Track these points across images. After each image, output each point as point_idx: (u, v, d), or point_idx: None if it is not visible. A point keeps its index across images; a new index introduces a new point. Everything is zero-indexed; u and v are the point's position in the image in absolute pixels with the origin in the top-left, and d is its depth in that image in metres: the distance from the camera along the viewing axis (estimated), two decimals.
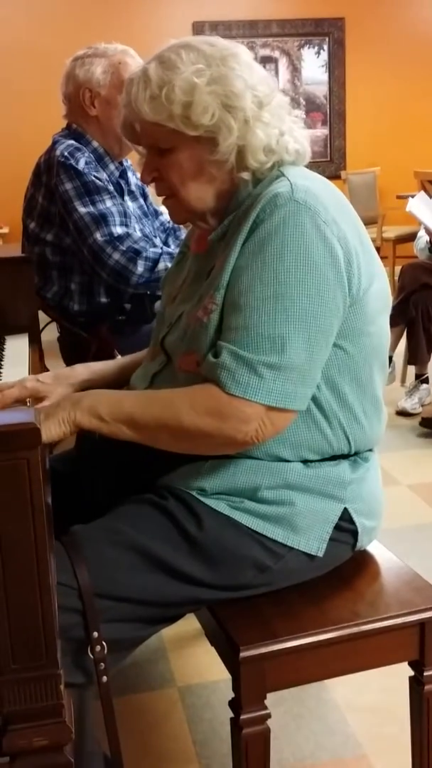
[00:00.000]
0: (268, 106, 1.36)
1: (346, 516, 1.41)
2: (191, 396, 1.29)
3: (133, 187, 2.73)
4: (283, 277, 1.25)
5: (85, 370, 1.67)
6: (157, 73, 1.33)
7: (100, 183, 2.45)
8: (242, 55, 1.37)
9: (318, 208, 1.28)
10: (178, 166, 1.38)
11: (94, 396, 1.35)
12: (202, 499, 1.36)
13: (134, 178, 2.75)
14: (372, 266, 1.37)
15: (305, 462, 1.39)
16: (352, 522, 1.43)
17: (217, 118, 1.32)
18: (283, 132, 1.37)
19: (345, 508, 1.41)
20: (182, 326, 1.44)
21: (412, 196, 3.98)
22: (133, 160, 2.72)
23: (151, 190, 2.95)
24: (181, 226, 2.79)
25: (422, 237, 4.03)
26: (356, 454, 1.46)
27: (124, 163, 2.68)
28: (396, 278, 4.31)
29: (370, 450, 1.51)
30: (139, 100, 1.34)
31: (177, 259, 1.64)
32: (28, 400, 1.56)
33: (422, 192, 4.05)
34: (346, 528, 1.42)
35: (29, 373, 1.86)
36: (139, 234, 2.49)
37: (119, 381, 1.67)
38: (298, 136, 1.40)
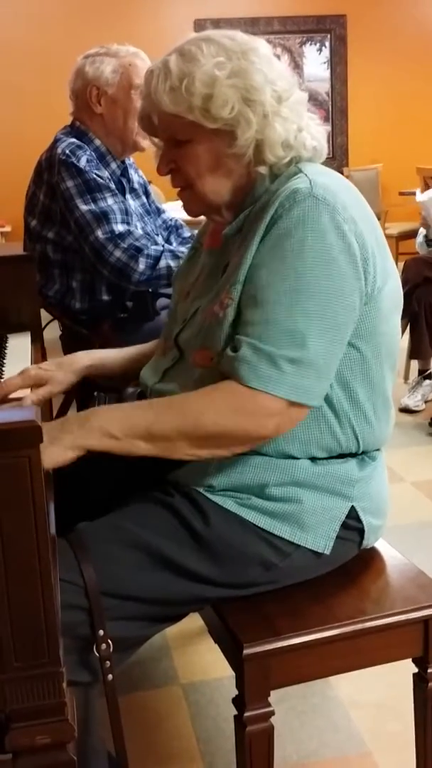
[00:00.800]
0: (287, 101, 1.36)
1: (353, 514, 1.41)
2: (209, 397, 1.27)
3: (135, 185, 2.73)
4: (303, 272, 1.25)
5: (87, 357, 1.67)
6: (177, 65, 1.33)
7: (101, 181, 2.45)
8: (262, 49, 1.37)
9: (337, 205, 1.28)
10: (195, 158, 1.38)
11: (102, 413, 1.29)
12: (209, 496, 1.35)
13: (136, 176, 2.75)
14: (387, 264, 1.37)
15: (313, 459, 1.39)
16: (359, 520, 1.42)
17: (237, 112, 1.32)
18: (302, 128, 1.37)
19: (352, 506, 1.41)
20: (198, 322, 1.43)
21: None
22: (136, 159, 2.72)
23: (152, 188, 2.96)
24: (184, 224, 2.81)
25: (422, 232, 4.04)
26: (364, 452, 1.45)
27: (126, 161, 2.68)
28: (400, 273, 4.30)
29: (378, 449, 1.50)
30: (159, 91, 1.33)
31: (189, 255, 1.64)
32: (29, 389, 1.57)
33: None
34: (353, 526, 1.42)
35: None
36: (140, 232, 2.49)
37: (123, 371, 1.67)
38: (315, 133, 1.40)
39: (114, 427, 1.26)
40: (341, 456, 1.42)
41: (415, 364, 4.22)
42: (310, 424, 1.36)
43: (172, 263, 2.43)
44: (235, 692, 1.35)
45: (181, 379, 1.42)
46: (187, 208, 1.49)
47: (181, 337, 1.48)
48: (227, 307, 1.33)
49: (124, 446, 1.26)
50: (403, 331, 4.01)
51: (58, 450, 1.23)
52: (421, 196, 3.91)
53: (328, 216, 1.26)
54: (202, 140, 1.36)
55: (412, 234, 6.01)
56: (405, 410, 3.98)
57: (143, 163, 2.55)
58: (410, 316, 3.96)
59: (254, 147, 1.35)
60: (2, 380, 1.59)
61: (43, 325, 2.42)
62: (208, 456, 1.31)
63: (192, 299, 1.51)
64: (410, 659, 1.44)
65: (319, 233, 1.26)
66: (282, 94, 1.35)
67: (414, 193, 4.01)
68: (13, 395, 1.55)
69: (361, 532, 1.44)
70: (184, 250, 2.51)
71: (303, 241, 1.26)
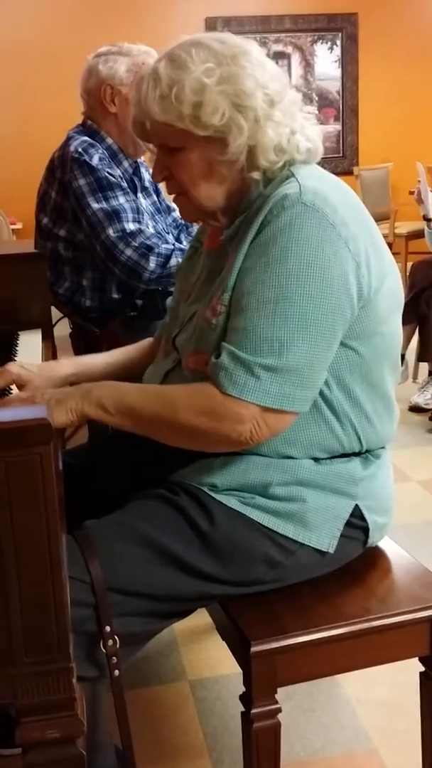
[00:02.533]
0: (280, 104, 1.34)
1: (357, 513, 1.42)
2: (189, 394, 1.31)
3: (147, 184, 2.74)
4: (285, 279, 1.25)
5: (70, 365, 1.68)
6: (167, 73, 1.32)
7: (113, 179, 2.46)
8: (253, 52, 1.36)
9: (326, 210, 1.27)
10: (188, 165, 1.37)
11: (103, 387, 1.37)
12: (213, 494, 1.36)
13: (147, 175, 2.75)
14: (383, 265, 1.36)
15: (316, 459, 1.40)
16: (363, 519, 1.43)
17: (227, 118, 1.31)
18: (295, 130, 1.36)
19: (356, 505, 1.41)
20: (193, 326, 1.44)
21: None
22: (146, 157, 2.73)
23: (163, 186, 2.97)
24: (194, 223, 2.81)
25: (429, 231, 4.06)
26: (368, 451, 1.46)
27: (138, 160, 2.68)
28: (408, 274, 4.30)
29: (382, 447, 1.50)
30: (149, 99, 1.33)
31: (189, 254, 1.64)
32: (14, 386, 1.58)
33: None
34: (357, 525, 1.43)
35: None
36: (151, 230, 2.49)
37: (106, 376, 1.65)
38: (309, 134, 1.39)
39: (107, 402, 1.33)
40: (344, 455, 1.42)
41: (425, 366, 4.21)
42: (311, 426, 1.36)
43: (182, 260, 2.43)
44: (242, 689, 1.36)
45: (180, 381, 1.43)
46: (183, 214, 1.50)
47: (178, 340, 1.49)
48: (219, 314, 1.35)
49: (115, 420, 1.34)
50: (412, 334, 4.04)
51: (61, 412, 1.33)
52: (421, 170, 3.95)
53: (315, 222, 1.26)
54: (194, 148, 1.35)
55: (422, 233, 5.99)
56: (415, 408, 3.97)
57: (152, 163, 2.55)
58: (419, 319, 3.95)
59: (247, 153, 1.34)
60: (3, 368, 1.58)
61: (54, 322, 2.44)
62: (189, 447, 1.35)
63: (191, 302, 1.51)
64: (417, 658, 1.45)
65: (304, 240, 1.25)
66: (274, 97, 1.34)
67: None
68: None
69: (365, 530, 1.44)
70: None
71: (287, 248, 1.26)
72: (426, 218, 4.11)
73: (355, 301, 1.31)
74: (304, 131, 1.38)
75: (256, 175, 1.36)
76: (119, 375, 1.64)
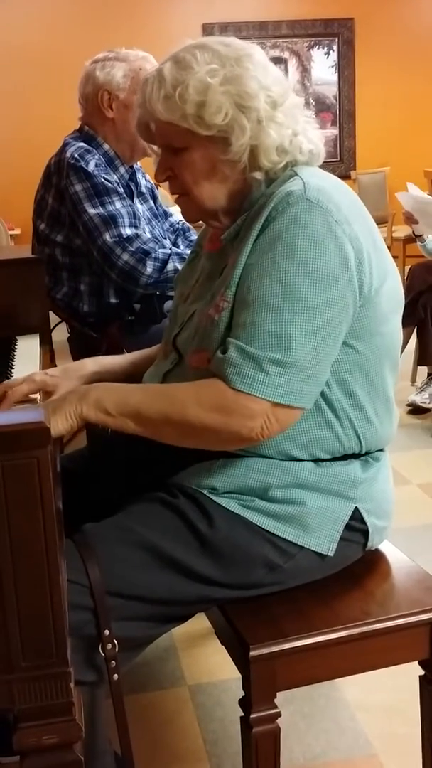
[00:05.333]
0: (282, 107, 1.36)
1: (356, 515, 1.42)
2: (197, 391, 1.30)
3: (143, 189, 2.74)
4: (292, 274, 1.25)
5: (93, 364, 1.68)
6: (171, 73, 1.34)
7: (109, 185, 2.46)
8: (257, 55, 1.37)
9: (330, 207, 1.28)
10: (191, 165, 1.39)
11: (101, 389, 1.35)
12: (213, 497, 1.36)
13: (144, 180, 2.76)
14: (384, 265, 1.37)
15: (316, 461, 1.40)
16: (362, 521, 1.43)
17: (230, 118, 1.32)
18: (297, 132, 1.37)
19: (356, 508, 1.41)
20: (194, 324, 1.44)
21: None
22: (142, 162, 2.73)
23: (160, 191, 2.97)
24: (191, 227, 2.82)
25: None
26: (367, 453, 1.46)
27: (134, 166, 2.69)
28: (405, 278, 4.31)
29: (381, 450, 1.50)
30: (153, 99, 1.35)
31: (189, 259, 1.65)
32: (38, 394, 1.57)
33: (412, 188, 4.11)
34: (356, 528, 1.43)
35: None
36: (148, 235, 2.49)
37: (128, 376, 1.68)
38: (311, 137, 1.40)
39: (109, 404, 1.31)
40: (344, 457, 1.42)
41: (422, 369, 4.21)
42: (311, 424, 1.36)
43: (180, 266, 2.44)
44: (241, 694, 1.36)
45: (180, 381, 1.43)
46: (185, 214, 1.50)
47: (179, 339, 1.49)
48: (223, 310, 1.35)
49: (117, 423, 1.31)
50: (409, 337, 4.04)
51: (60, 418, 1.30)
52: (404, 197, 3.96)
53: (320, 218, 1.27)
54: (198, 147, 1.37)
55: None
56: (413, 408, 3.97)
57: (150, 167, 2.55)
58: (417, 322, 3.96)
59: (249, 153, 1.35)
60: (8, 385, 1.57)
61: (52, 327, 2.44)
62: (195, 446, 1.33)
63: (190, 302, 1.52)
64: (417, 662, 1.44)
65: (310, 235, 1.26)
66: (277, 100, 1.36)
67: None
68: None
69: (365, 533, 1.44)
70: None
71: (293, 243, 1.26)
72: (415, 234, 4.12)
73: (357, 298, 1.31)
74: (307, 134, 1.39)
75: (258, 175, 1.37)
76: (139, 373, 1.64)
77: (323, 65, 7.64)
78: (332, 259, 1.27)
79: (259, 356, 1.24)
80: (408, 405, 3.98)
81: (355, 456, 1.44)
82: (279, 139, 1.35)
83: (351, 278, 1.29)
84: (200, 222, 1.54)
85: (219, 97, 1.32)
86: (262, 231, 1.31)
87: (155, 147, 1.46)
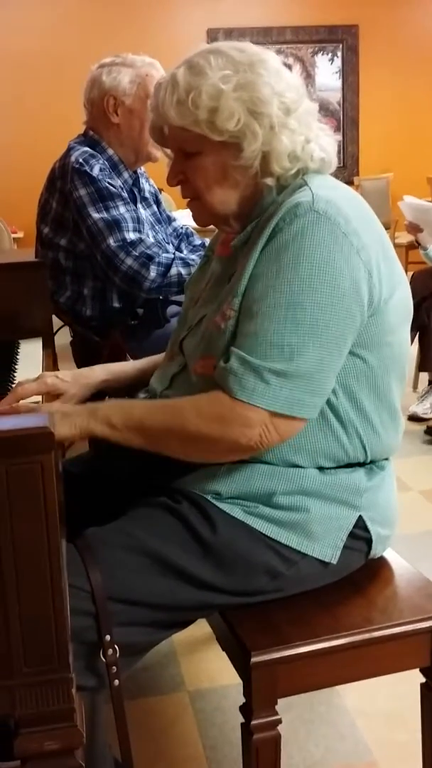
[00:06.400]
0: (295, 113, 1.36)
1: (360, 524, 1.41)
2: (197, 402, 1.31)
3: (147, 194, 2.75)
4: (297, 286, 1.25)
5: (102, 371, 1.69)
6: (185, 78, 1.34)
7: (113, 189, 2.47)
8: (271, 61, 1.37)
9: (338, 219, 1.28)
10: (203, 170, 1.39)
11: (110, 406, 1.37)
12: (216, 503, 1.36)
13: (147, 185, 2.76)
14: (394, 276, 1.37)
15: (321, 469, 1.39)
16: (366, 530, 1.42)
17: (243, 124, 1.33)
18: (310, 139, 1.37)
19: (360, 516, 1.41)
20: (201, 330, 1.45)
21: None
22: (146, 168, 2.74)
23: (163, 196, 2.98)
24: (194, 231, 2.82)
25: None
26: (372, 462, 1.46)
27: (138, 171, 2.69)
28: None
29: (386, 459, 1.50)
30: (166, 104, 1.35)
31: (201, 263, 1.65)
32: (40, 397, 1.57)
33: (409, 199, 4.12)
34: (360, 536, 1.42)
35: None
36: (151, 240, 2.50)
37: (137, 383, 1.68)
38: (324, 144, 1.40)
39: (115, 418, 1.33)
40: (349, 465, 1.42)
41: (425, 375, 4.21)
42: (317, 433, 1.36)
43: (183, 271, 2.44)
44: (242, 700, 1.35)
45: (188, 385, 1.43)
46: (196, 219, 1.50)
47: (185, 344, 1.50)
48: (229, 319, 1.35)
49: (123, 436, 1.33)
50: (411, 343, 4.04)
51: (65, 425, 1.32)
52: (404, 207, 3.97)
53: (327, 230, 1.27)
54: (210, 152, 1.37)
55: None
56: (413, 418, 3.97)
57: (154, 172, 2.56)
58: (419, 328, 3.96)
59: (261, 159, 1.36)
60: (18, 383, 1.59)
61: (55, 331, 2.44)
62: (198, 458, 1.35)
63: (200, 306, 1.52)
64: (418, 669, 1.44)
65: (316, 247, 1.26)
66: (290, 106, 1.36)
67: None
68: (26, 401, 1.55)
69: (368, 541, 1.44)
70: (194, 257, 2.52)
71: (298, 255, 1.26)
72: (418, 242, 4.12)
73: (365, 309, 1.31)
74: (319, 141, 1.40)
75: (270, 181, 1.38)
76: (148, 380, 1.65)
77: (327, 71, 7.65)
78: (338, 271, 1.26)
79: (260, 366, 1.25)
80: (409, 417, 3.97)
81: (360, 464, 1.44)
82: (291, 146, 1.35)
83: (358, 290, 1.29)
84: (205, 228, 1.55)
85: (231, 103, 1.32)
86: (269, 241, 1.31)
87: (168, 150, 1.47)
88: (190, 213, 1.50)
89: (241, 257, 1.41)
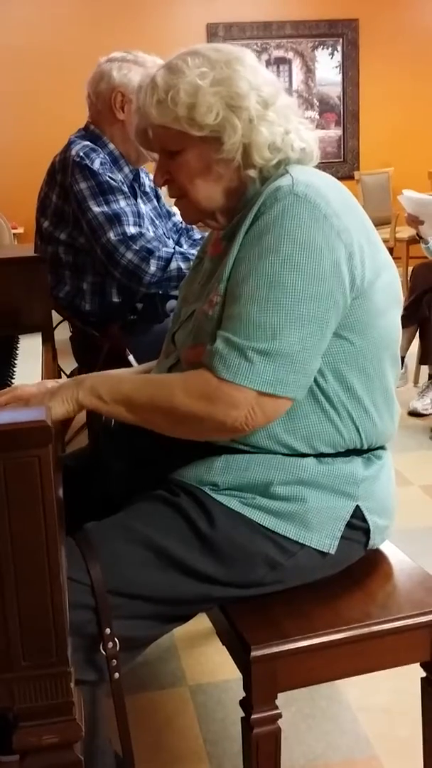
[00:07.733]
0: (273, 106, 1.39)
1: (358, 514, 1.41)
2: (185, 380, 1.32)
3: (147, 189, 2.74)
4: (278, 267, 1.27)
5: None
6: (163, 79, 1.37)
7: (114, 183, 2.46)
8: (247, 58, 1.41)
9: (318, 201, 1.29)
10: (186, 166, 1.41)
11: (96, 377, 1.40)
12: (213, 495, 1.36)
13: (147, 180, 2.76)
14: (378, 260, 1.38)
15: (318, 456, 1.40)
16: (364, 520, 1.43)
17: (222, 118, 1.35)
18: (289, 131, 1.40)
19: (357, 506, 1.41)
20: (192, 322, 1.46)
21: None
22: (149, 165, 2.73)
23: (163, 191, 2.97)
24: (194, 226, 2.82)
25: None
26: (369, 450, 1.46)
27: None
28: (408, 278, 4.31)
29: (383, 448, 1.50)
30: (147, 104, 1.39)
31: (194, 264, 1.66)
32: None
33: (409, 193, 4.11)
34: (358, 526, 1.42)
35: (42, 372, 1.87)
36: (152, 234, 2.49)
37: None
38: (304, 136, 1.42)
39: (102, 391, 1.35)
40: (346, 453, 1.42)
41: (425, 369, 4.21)
42: (310, 416, 1.37)
43: (183, 265, 2.44)
44: (242, 694, 1.35)
45: None
46: (184, 216, 1.53)
47: (177, 336, 1.52)
48: (216, 305, 1.37)
49: (110, 409, 1.35)
50: (412, 338, 4.04)
51: (57, 402, 1.35)
52: (404, 200, 3.96)
53: (306, 212, 1.28)
54: (192, 148, 1.40)
55: None
56: (414, 414, 3.97)
57: (153, 167, 2.55)
58: (420, 321, 3.96)
59: (242, 151, 1.38)
60: (17, 386, 1.58)
61: (54, 325, 2.44)
62: (185, 435, 1.36)
63: (191, 303, 1.53)
64: (419, 663, 1.44)
65: (297, 228, 1.28)
66: (268, 99, 1.38)
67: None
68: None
69: (366, 531, 1.44)
70: (194, 252, 2.51)
71: (279, 237, 1.28)
72: (419, 235, 4.11)
73: (348, 290, 1.32)
74: (299, 133, 1.42)
75: (252, 173, 1.40)
76: None
77: (327, 66, 7.63)
78: (318, 252, 1.28)
79: (244, 346, 1.26)
80: (409, 413, 3.97)
81: (357, 453, 1.44)
82: (271, 137, 1.37)
83: (339, 271, 1.30)
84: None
85: (209, 98, 1.35)
86: (251, 225, 1.33)
87: (154, 154, 1.50)
88: (179, 212, 1.51)
89: (228, 249, 1.41)
